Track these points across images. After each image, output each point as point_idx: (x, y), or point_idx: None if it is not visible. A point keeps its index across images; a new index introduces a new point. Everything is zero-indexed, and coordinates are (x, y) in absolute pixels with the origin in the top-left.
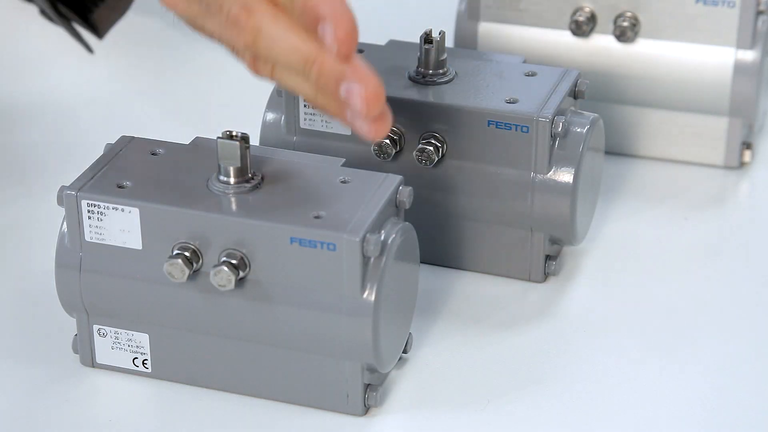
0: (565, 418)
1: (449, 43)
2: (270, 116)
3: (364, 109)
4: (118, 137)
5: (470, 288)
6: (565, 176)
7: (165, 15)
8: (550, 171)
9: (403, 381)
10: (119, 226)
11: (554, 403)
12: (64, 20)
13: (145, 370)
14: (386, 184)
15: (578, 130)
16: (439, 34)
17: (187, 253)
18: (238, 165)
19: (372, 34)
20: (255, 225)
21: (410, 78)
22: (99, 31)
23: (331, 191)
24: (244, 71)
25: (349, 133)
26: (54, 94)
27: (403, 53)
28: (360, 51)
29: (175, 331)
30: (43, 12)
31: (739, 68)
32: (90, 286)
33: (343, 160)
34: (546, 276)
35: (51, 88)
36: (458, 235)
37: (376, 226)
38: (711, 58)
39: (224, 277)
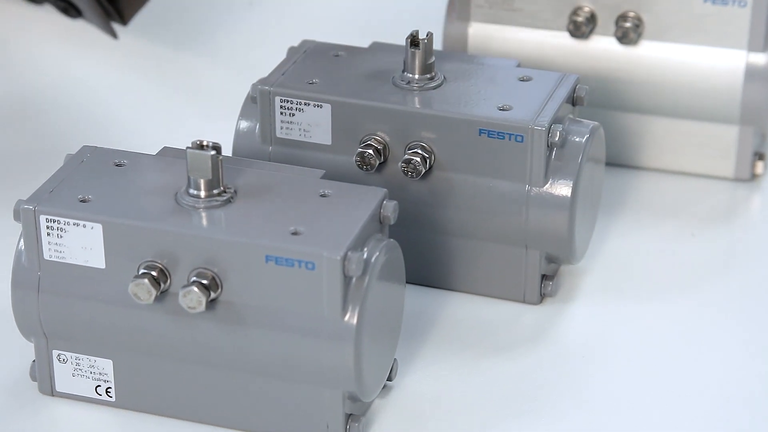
0: None
1: (437, 45)
2: (244, 124)
3: None
4: (80, 147)
5: (460, 310)
6: (563, 189)
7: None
8: (546, 184)
9: (387, 411)
10: (81, 243)
11: None
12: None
13: (109, 399)
14: (369, 198)
15: (577, 139)
16: (427, 35)
17: (154, 273)
18: (209, 177)
19: (354, 35)
20: (227, 242)
21: (395, 83)
22: (124, 17)
23: (309, 205)
24: (215, 76)
25: (329, 142)
26: (8, 101)
27: (388, 56)
28: (336, 55)
29: (141, 357)
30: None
31: (751, 73)
32: (49, 309)
33: (323, 171)
34: (542, 297)
35: (5, 95)
36: (447, 253)
37: (359, 244)
38: (720, 62)
39: (194, 298)
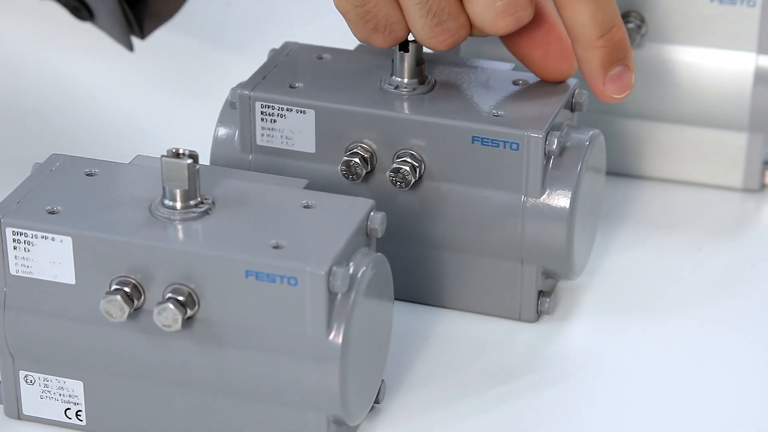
0: None
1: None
2: (222, 131)
3: (620, 93)
4: (49, 155)
5: (452, 328)
6: (561, 200)
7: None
8: (543, 194)
9: None
10: (49, 257)
11: None
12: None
13: (79, 422)
14: (355, 210)
15: (576, 147)
16: None
17: (126, 289)
18: (186, 187)
19: (339, 37)
20: (205, 256)
21: (383, 88)
22: (143, 31)
23: (292, 217)
24: (192, 80)
25: (313, 150)
26: None
27: (375, 59)
28: (320, 58)
29: (113, 378)
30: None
31: (761, 76)
32: (15, 327)
33: (306, 181)
34: (539, 315)
35: None
36: (438, 267)
37: (344, 258)
38: (728, 65)
39: (170, 316)
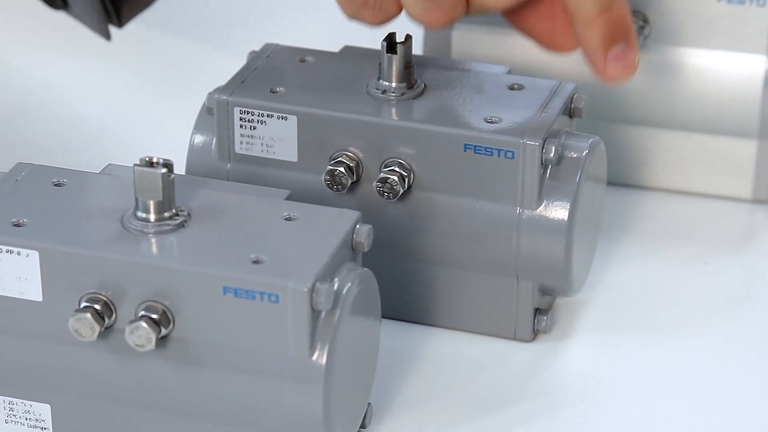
0: None
1: (417, 50)
2: (199, 139)
3: (623, 73)
4: (14, 164)
5: (443, 348)
6: (559, 212)
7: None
8: (540, 206)
9: None
10: (15, 273)
11: None
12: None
13: None
14: (340, 222)
15: (574, 155)
16: (405, 38)
17: (97, 306)
18: (160, 198)
19: (324, 38)
20: (180, 271)
21: (369, 92)
22: (121, 20)
23: (273, 230)
24: (167, 84)
25: (295, 159)
26: None
27: (361, 62)
28: (303, 60)
29: (83, 401)
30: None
31: None
32: None
33: (288, 192)
34: (535, 334)
35: None
36: (428, 283)
37: (328, 273)
38: (737, 68)
39: (143, 335)
